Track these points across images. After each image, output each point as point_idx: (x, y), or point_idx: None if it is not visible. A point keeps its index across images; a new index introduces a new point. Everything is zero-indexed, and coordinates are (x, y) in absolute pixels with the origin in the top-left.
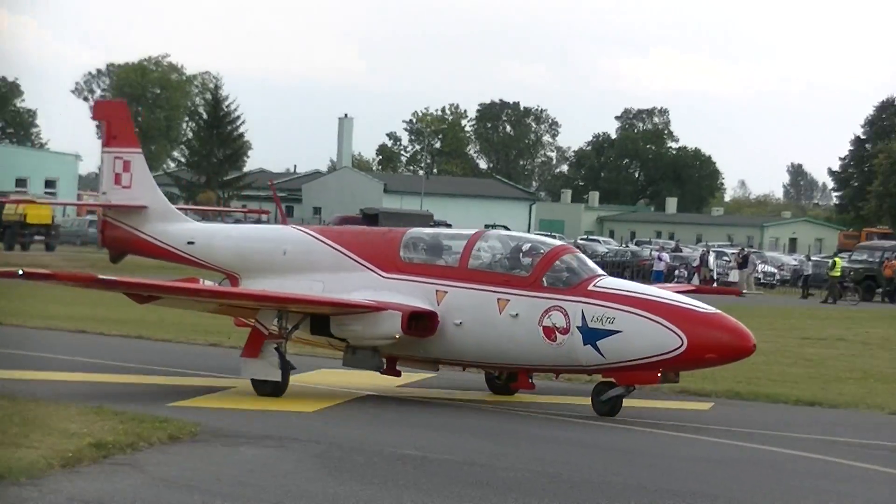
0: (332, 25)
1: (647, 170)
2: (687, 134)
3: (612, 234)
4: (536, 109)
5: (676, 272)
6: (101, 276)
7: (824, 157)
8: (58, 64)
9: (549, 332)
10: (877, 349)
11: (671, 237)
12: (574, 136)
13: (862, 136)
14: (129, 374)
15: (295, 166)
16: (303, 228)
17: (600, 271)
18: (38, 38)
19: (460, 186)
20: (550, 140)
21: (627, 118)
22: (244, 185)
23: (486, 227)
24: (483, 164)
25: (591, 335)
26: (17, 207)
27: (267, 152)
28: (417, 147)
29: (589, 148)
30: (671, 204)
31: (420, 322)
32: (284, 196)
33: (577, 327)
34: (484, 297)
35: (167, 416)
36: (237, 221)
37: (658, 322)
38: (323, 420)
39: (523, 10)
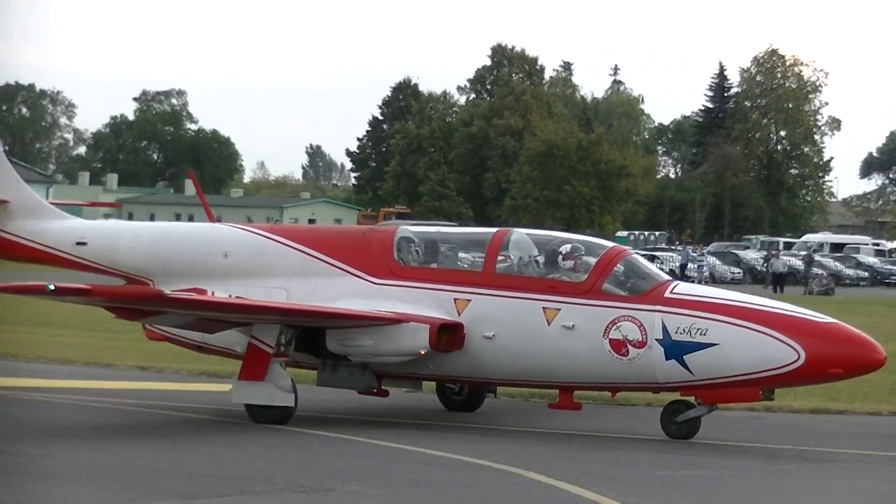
0: None
1: (165, 151)
2: (206, 116)
3: (130, 217)
4: (52, 91)
5: None
6: (167, 293)
7: (342, 138)
8: None
9: (619, 345)
10: None
11: (190, 218)
12: (91, 117)
13: (379, 117)
14: None
15: None
16: (246, 227)
17: (667, 276)
18: None
19: None
20: (67, 122)
21: (145, 100)
22: None
23: None
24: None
25: (676, 349)
26: None
27: None
28: None
29: (107, 130)
30: (190, 186)
31: (442, 335)
32: None
33: (658, 340)
34: (524, 305)
35: None
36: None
37: (766, 334)
38: None
39: None
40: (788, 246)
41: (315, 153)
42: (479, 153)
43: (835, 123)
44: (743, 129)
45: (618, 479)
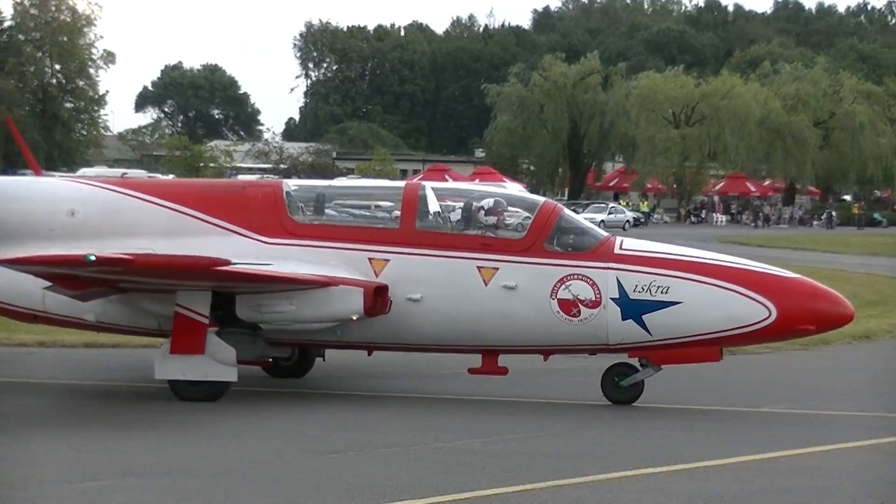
0: None
1: None
2: None
3: None
4: None
5: None
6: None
7: None
8: None
9: (568, 305)
10: None
11: None
12: None
13: None
14: None
15: None
16: (95, 182)
17: (604, 231)
18: None
19: None
20: None
21: None
22: None
23: None
24: None
25: (634, 308)
26: None
27: None
28: None
29: None
30: None
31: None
32: None
33: (613, 299)
34: (456, 265)
35: None
36: None
37: (734, 290)
38: None
39: None
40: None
41: None
42: None
43: (109, 57)
44: (17, 62)
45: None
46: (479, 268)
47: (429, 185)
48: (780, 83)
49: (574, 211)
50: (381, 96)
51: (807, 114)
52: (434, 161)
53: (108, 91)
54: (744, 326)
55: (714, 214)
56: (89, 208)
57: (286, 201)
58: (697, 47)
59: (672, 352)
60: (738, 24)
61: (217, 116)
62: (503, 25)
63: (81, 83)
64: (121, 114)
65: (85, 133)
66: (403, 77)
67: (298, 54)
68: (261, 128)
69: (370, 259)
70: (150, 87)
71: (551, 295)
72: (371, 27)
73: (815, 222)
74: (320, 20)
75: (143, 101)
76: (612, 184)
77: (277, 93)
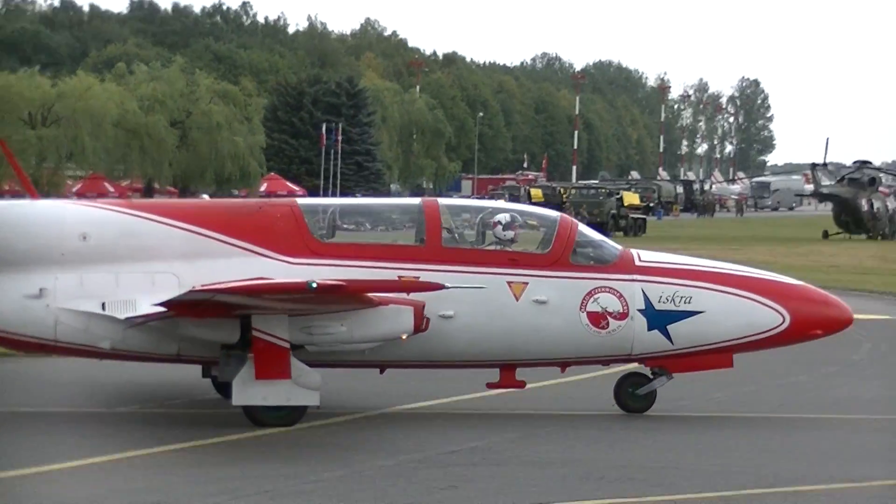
0: None
1: None
2: None
3: None
4: None
5: None
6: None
7: None
8: None
9: (597, 318)
10: None
11: None
12: None
13: None
14: None
15: None
16: (105, 205)
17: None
18: None
19: None
20: None
21: None
22: None
23: None
24: None
25: (660, 318)
26: None
27: None
28: None
29: None
30: None
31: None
32: None
33: (640, 310)
34: (486, 281)
35: None
36: None
37: (751, 299)
38: None
39: None
40: None
41: None
42: None
43: None
44: None
45: None
46: (509, 283)
47: (444, 202)
48: (136, 83)
49: None
50: None
51: (164, 114)
52: None
53: None
54: (760, 333)
55: None
56: (104, 230)
57: (307, 219)
58: (53, 47)
59: (688, 360)
60: (94, 24)
61: None
62: None
63: None
64: None
65: None
66: None
67: None
68: None
69: (400, 278)
70: None
71: (581, 308)
72: None
73: None
74: None
75: None
76: None
77: None
